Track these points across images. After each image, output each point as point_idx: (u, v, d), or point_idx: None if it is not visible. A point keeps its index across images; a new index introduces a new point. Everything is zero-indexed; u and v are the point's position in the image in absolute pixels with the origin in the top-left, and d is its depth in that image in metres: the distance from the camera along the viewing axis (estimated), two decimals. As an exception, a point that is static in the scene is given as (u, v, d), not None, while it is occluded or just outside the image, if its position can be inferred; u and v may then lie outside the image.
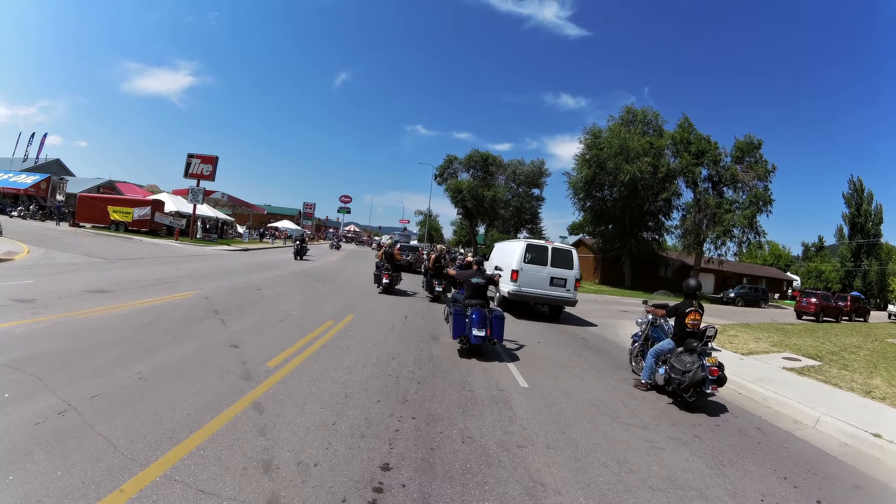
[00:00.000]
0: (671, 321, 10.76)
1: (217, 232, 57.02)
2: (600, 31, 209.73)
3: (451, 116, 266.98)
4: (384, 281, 21.55)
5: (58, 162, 77.87)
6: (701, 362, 9.19)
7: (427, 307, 19.44)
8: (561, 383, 10.18)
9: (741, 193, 51.47)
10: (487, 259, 23.53)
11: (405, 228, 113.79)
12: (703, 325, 10.18)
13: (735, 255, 53.88)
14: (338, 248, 68.00)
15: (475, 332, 11.00)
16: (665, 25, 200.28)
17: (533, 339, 15.09)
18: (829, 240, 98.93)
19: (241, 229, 62.93)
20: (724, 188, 52.21)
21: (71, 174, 74.37)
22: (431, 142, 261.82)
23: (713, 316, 27.01)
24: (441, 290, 21.35)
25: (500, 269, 20.22)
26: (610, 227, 55.95)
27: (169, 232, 45.06)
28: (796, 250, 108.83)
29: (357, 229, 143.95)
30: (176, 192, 63.47)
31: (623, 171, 48.07)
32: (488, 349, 12.12)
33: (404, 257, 32.70)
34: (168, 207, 48.78)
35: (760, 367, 14.06)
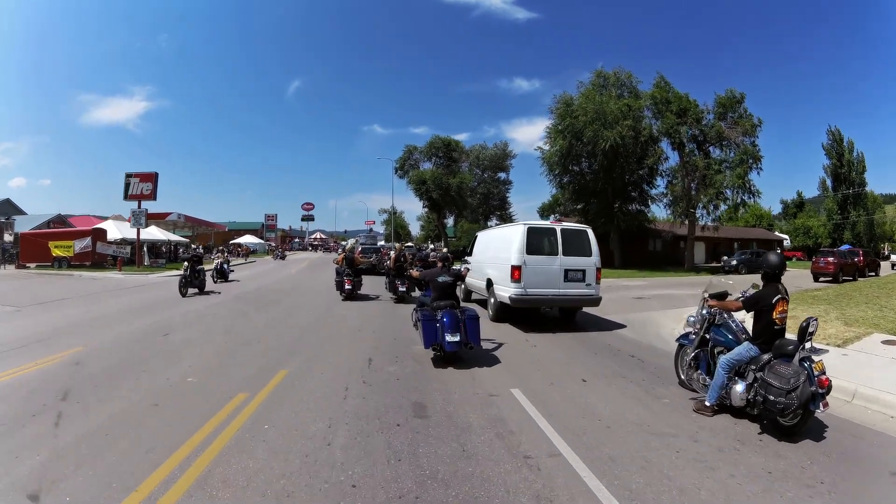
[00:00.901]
0: (737, 318, 8.25)
1: (168, 256, 52.32)
2: (548, 12, 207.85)
3: (407, 113, 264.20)
4: (346, 287, 20.67)
5: (8, 202, 72.72)
6: (807, 372, 6.44)
7: (394, 315, 17.24)
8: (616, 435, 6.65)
9: (729, 152, 47.91)
10: (470, 253, 19.50)
11: (371, 230, 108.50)
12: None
13: (718, 219, 50.29)
14: (282, 258, 64.85)
15: (449, 337, 9.77)
16: None
17: (545, 355, 11.61)
18: (809, 194, 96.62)
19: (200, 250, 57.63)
20: (711, 147, 48.57)
21: (22, 212, 69.38)
22: (389, 139, 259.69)
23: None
24: (405, 289, 20.31)
25: (468, 263, 18.23)
26: (592, 202, 51.28)
27: (116, 262, 40.66)
28: (776, 209, 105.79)
29: (323, 236, 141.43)
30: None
31: (602, 138, 43.65)
32: (468, 355, 10.52)
33: (366, 258, 33.10)
34: (112, 234, 44.44)
35: (859, 357, 10.32)
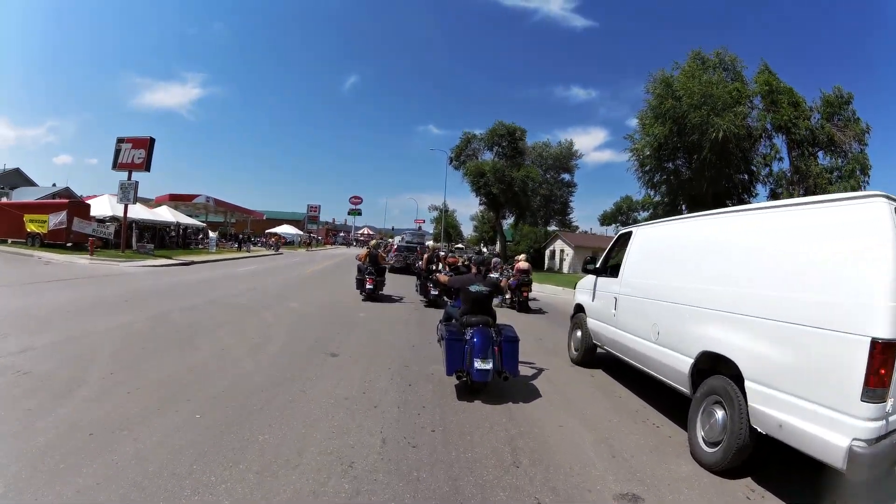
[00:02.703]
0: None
1: (177, 240, 46.78)
2: (606, 21, 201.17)
3: (462, 115, 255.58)
4: (367, 287, 18.53)
5: (17, 171, 69.52)
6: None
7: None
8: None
9: (840, 159, 38.86)
10: (608, 269, 10.58)
11: (419, 228, 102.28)
12: None
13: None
14: (277, 250, 60.37)
15: (478, 364, 7.58)
16: (669, 8, 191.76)
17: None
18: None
19: (212, 235, 50.94)
20: (820, 153, 39.27)
21: (33, 184, 66.27)
22: (443, 141, 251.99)
23: None
24: (437, 293, 17.68)
25: (598, 286, 10.61)
26: (683, 207, 41.98)
27: (105, 244, 34.29)
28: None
29: (371, 232, 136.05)
30: (160, 200, 56.02)
31: (712, 126, 34.68)
32: (504, 387, 8.02)
33: (389, 261, 29.78)
34: (102, 211, 37.63)
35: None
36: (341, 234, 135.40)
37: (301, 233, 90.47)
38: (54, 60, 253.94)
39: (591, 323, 10.00)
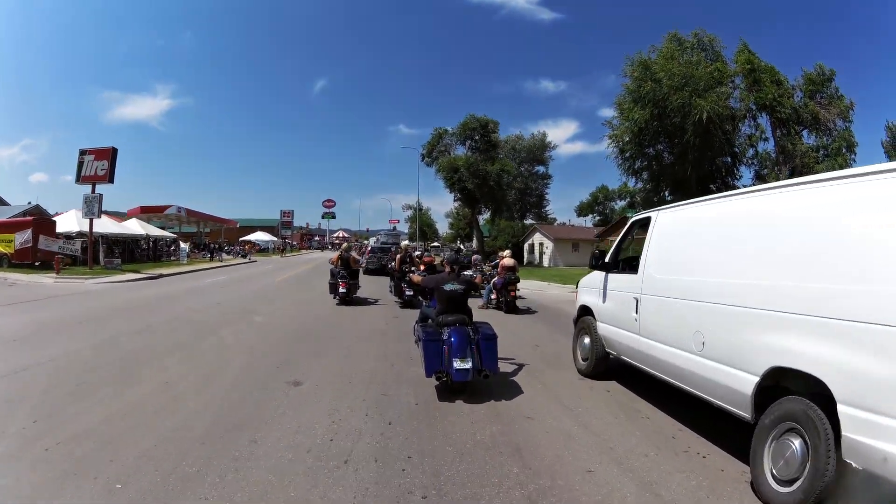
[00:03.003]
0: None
1: (147, 253, 45.33)
2: (572, 13, 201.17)
3: (432, 113, 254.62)
4: (341, 291, 18.20)
5: None
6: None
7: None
8: None
9: (825, 137, 38.54)
10: (620, 263, 9.37)
11: (394, 228, 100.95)
12: None
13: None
14: (244, 257, 57.56)
15: (458, 364, 7.49)
16: None
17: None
18: None
19: (183, 246, 49.30)
20: (804, 131, 38.80)
21: (4, 203, 63.53)
22: (415, 140, 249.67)
23: None
24: (412, 294, 17.59)
25: (607, 281, 9.24)
26: (666, 193, 40.90)
27: (74, 261, 32.97)
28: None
29: (346, 234, 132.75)
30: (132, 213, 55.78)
31: (695, 109, 33.52)
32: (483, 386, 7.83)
33: (362, 263, 29.23)
34: (68, 227, 35.84)
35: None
36: (316, 238, 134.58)
37: (275, 239, 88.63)
38: (24, 79, 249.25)
39: (604, 328, 8.51)
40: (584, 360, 9.14)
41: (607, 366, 8.75)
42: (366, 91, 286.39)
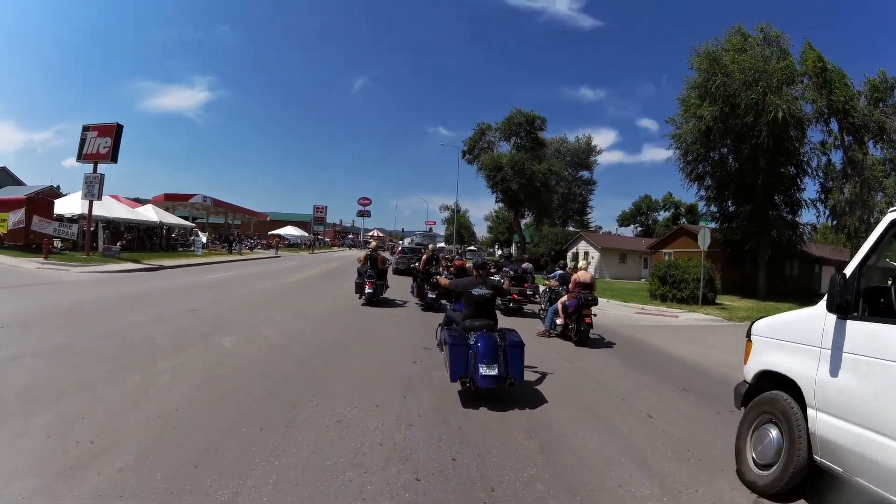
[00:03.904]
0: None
1: (160, 242, 42.30)
2: (613, 21, 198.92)
3: (472, 116, 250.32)
4: (367, 290, 17.36)
5: (3, 170, 64.83)
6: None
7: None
8: None
9: (889, 150, 34.74)
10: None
11: (430, 229, 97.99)
12: None
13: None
14: (276, 252, 54.56)
15: (483, 370, 7.37)
16: (676, 8, 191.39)
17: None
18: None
19: (203, 237, 46.30)
20: (870, 141, 34.68)
21: (20, 183, 62.35)
22: (453, 142, 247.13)
23: None
24: (434, 296, 17.14)
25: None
26: (729, 203, 36.89)
27: (74, 245, 31.09)
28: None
29: (381, 233, 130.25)
30: (156, 200, 53.03)
31: (769, 106, 29.45)
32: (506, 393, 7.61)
33: (391, 263, 28.63)
34: (70, 209, 33.06)
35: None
36: (350, 236, 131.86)
37: (306, 234, 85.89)
38: (61, 65, 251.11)
39: (829, 424, 4.33)
40: (761, 466, 5.02)
41: (805, 480, 4.68)
42: (405, 92, 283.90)
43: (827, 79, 32.15)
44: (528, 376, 8.31)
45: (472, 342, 7.75)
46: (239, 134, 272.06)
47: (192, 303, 14.83)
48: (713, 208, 38.11)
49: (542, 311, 17.31)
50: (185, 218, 56.65)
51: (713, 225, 36.62)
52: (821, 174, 34.91)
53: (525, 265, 19.81)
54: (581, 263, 15.09)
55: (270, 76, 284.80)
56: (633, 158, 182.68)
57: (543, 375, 8.99)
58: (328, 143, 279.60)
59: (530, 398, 7.69)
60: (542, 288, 19.01)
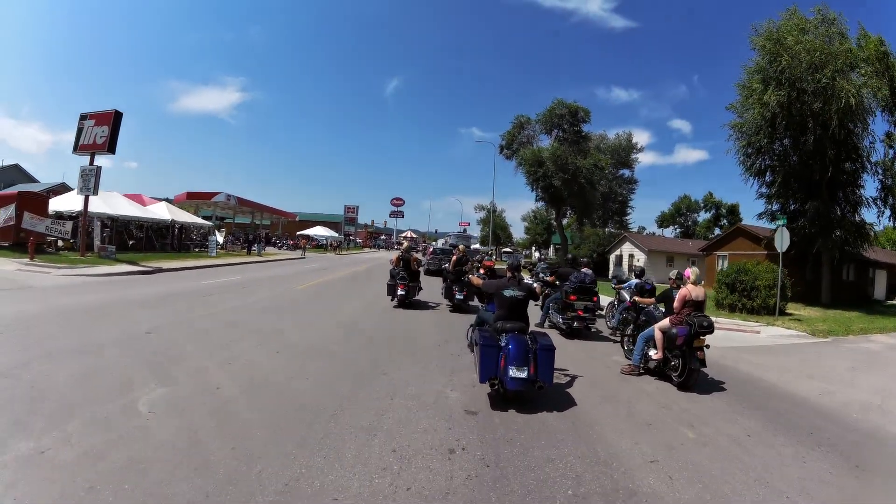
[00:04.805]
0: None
1: (172, 242, 39.68)
2: (646, 21, 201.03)
3: (506, 117, 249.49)
4: (399, 292, 17.01)
5: (16, 167, 66.85)
6: None
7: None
8: None
9: None
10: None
11: (464, 230, 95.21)
12: None
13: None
14: (303, 253, 51.06)
15: (513, 372, 7.28)
16: (709, 8, 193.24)
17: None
18: None
19: (219, 237, 43.88)
20: None
21: (34, 180, 63.97)
22: (485, 144, 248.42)
23: None
24: (462, 297, 17.18)
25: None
26: (791, 201, 32.29)
27: (73, 245, 29.16)
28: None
29: (415, 234, 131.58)
30: (178, 199, 54.21)
31: (840, 92, 26.02)
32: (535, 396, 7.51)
33: (424, 265, 29.07)
34: (69, 206, 30.74)
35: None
36: (382, 236, 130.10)
37: (336, 235, 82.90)
38: (92, 66, 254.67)
39: None
40: None
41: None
42: (438, 92, 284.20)
43: (889, 64, 28.93)
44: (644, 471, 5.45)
45: (502, 344, 7.66)
46: (271, 134, 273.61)
47: (154, 321, 11.56)
48: (774, 206, 34.06)
49: (615, 332, 13.85)
50: (209, 217, 55.04)
51: (774, 226, 33.07)
52: (880, 170, 31.13)
53: (586, 270, 15.17)
54: (691, 272, 9.85)
55: (303, 76, 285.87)
56: (665, 160, 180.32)
57: (655, 460, 5.68)
58: (360, 143, 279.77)
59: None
60: (608, 300, 15.66)
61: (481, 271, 16.00)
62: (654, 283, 13.38)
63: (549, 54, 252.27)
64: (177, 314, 12.90)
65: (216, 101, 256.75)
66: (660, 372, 9.53)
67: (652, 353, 9.57)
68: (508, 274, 8.89)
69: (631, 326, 11.47)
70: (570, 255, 17.04)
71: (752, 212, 59.28)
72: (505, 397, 7.41)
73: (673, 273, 10.87)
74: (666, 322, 9.50)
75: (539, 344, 7.66)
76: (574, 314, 13.60)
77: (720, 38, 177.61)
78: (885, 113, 30.10)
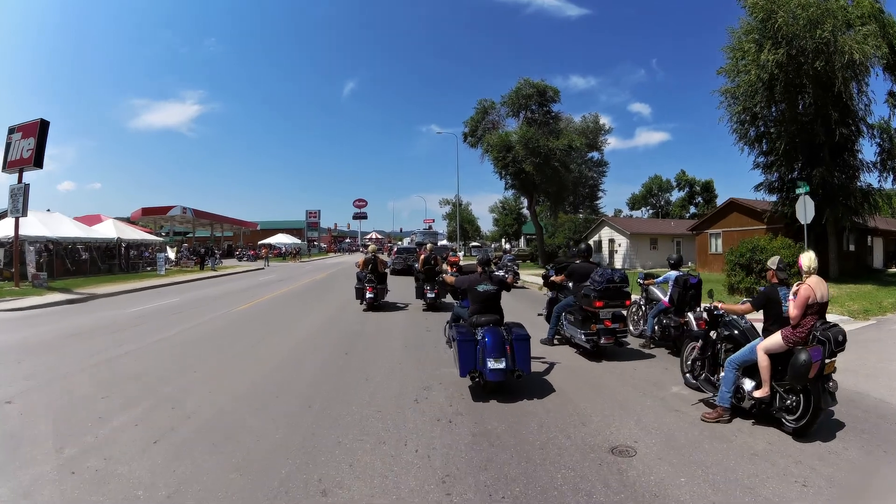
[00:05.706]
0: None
1: (119, 262, 36.04)
2: (599, 8, 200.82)
3: (464, 111, 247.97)
4: (368, 295, 17.03)
5: None
6: None
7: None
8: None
9: None
10: None
11: (430, 227, 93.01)
12: None
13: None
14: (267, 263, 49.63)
15: (492, 364, 7.33)
16: None
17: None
18: None
19: (171, 253, 40.52)
20: None
21: None
22: (446, 139, 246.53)
23: None
24: (433, 296, 17.00)
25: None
26: (793, 168, 29.89)
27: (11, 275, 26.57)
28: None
29: (379, 236, 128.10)
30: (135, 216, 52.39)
31: (843, 47, 24.16)
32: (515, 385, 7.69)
33: (389, 266, 26.97)
34: (30, 230, 27.86)
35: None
36: (347, 240, 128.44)
37: (299, 242, 79.91)
38: (49, 89, 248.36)
39: None
40: None
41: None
42: (395, 92, 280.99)
43: (884, 22, 27.16)
44: None
45: (479, 337, 7.73)
46: (230, 144, 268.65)
47: (26, 379, 8.36)
48: (773, 176, 31.45)
49: (649, 342, 10.84)
50: (166, 234, 52.34)
51: (774, 198, 30.60)
52: (877, 133, 29.64)
53: (598, 270, 10.66)
54: (805, 259, 6.51)
55: (259, 86, 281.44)
56: (627, 143, 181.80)
57: None
58: (320, 147, 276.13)
59: None
60: (636, 298, 12.12)
61: (447, 267, 16.61)
62: (700, 276, 10.61)
63: (506, 46, 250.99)
64: (60, 364, 9.58)
65: (176, 116, 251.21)
66: (758, 411, 6.39)
67: (749, 386, 6.43)
68: (479, 269, 9.00)
69: (699, 345, 7.80)
70: (582, 245, 12.54)
71: (727, 188, 57.76)
72: (486, 389, 7.61)
73: (773, 261, 6.87)
74: (777, 340, 6.20)
75: (514, 334, 7.81)
76: (601, 326, 9.89)
77: (677, 20, 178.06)
78: (887, 73, 28.20)
